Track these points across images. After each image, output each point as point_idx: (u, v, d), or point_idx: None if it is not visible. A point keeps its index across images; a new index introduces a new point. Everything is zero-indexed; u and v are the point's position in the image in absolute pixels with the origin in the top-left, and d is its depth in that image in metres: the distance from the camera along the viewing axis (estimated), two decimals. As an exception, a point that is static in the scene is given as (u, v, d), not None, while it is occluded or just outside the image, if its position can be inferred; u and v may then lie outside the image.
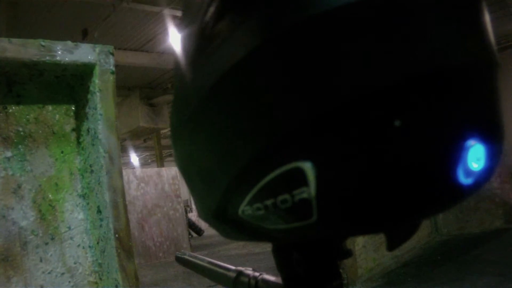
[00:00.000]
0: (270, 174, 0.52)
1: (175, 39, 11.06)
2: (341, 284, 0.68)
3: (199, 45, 0.58)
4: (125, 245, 1.59)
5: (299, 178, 0.50)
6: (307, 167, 0.49)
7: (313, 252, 0.67)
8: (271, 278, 0.78)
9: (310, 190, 0.49)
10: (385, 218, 0.52)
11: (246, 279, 0.82)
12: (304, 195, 0.50)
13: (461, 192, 0.52)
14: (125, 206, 1.61)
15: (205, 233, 19.33)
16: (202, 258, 0.97)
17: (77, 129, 1.74)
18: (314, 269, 0.67)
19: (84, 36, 10.63)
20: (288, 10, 0.49)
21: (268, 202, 0.53)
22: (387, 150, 0.48)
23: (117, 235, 1.57)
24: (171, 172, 13.83)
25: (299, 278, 0.68)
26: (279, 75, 0.50)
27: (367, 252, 6.98)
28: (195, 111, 0.59)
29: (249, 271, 0.84)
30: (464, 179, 0.50)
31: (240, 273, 0.84)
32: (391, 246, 0.60)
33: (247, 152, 0.53)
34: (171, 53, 12.22)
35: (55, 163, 1.68)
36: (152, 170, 14.31)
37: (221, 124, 0.56)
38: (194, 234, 18.15)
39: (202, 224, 20.42)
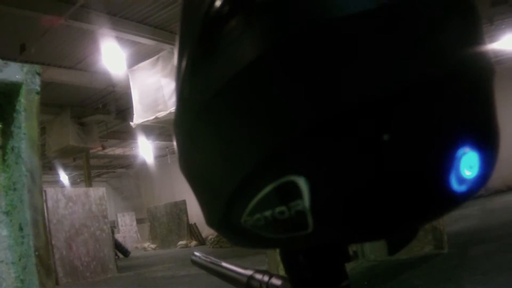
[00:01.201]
0: (267, 186, 0.55)
1: (108, 59, 10.95)
2: (349, 285, 0.71)
3: (201, 49, 0.60)
4: (44, 263, 1.61)
5: (294, 191, 0.53)
6: (301, 180, 0.52)
7: (318, 256, 0.69)
8: (280, 281, 0.80)
9: (304, 202, 0.53)
10: (378, 227, 0.55)
11: (256, 283, 0.84)
12: (299, 208, 0.53)
13: (455, 199, 0.54)
14: (44, 225, 1.63)
15: (131, 255, 18.96)
16: (216, 261, 0.98)
17: (3, 147, 1.75)
18: (321, 272, 0.70)
19: (21, 51, 10.39)
20: (290, 20, 0.51)
21: (267, 213, 0.56)
22: (378, 162, 0.50)
23: (37, 253, 1.59)
24: (98, 192, 13.58)
25: (307, 281, 0.70)
26: (272, 89, 0.53)
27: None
28: (196, 122, 0.62)
29: (259, 275, 0.84)
30: (457, 187, 0.53)
31: (250, 277, 0.86)
32: (391, 251, 0.63)
33: (244, 165, 0.56)
34: (104, 73, 12.10)
35: (-19, 180, 1.68)
36: (80, 190, 14.03)
37: (221, 134, 0.59)
38: (121, 255, 17.82)
39: (128, 246, 20.08)
